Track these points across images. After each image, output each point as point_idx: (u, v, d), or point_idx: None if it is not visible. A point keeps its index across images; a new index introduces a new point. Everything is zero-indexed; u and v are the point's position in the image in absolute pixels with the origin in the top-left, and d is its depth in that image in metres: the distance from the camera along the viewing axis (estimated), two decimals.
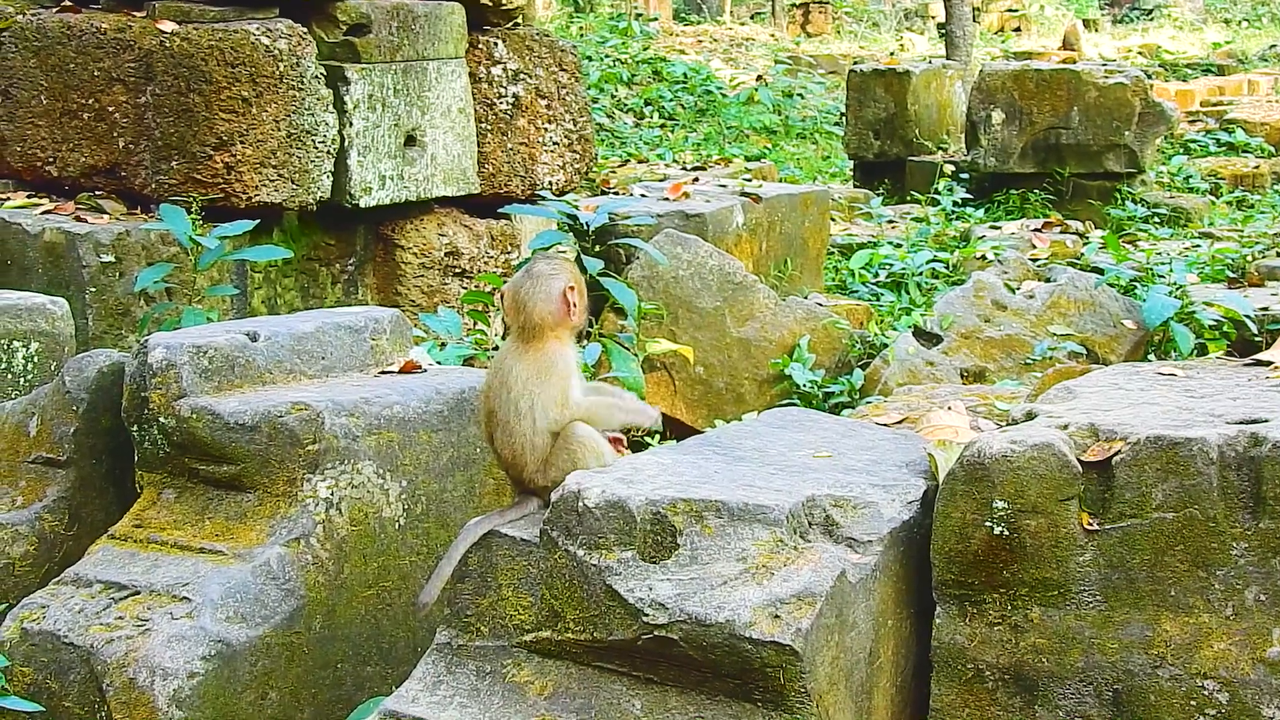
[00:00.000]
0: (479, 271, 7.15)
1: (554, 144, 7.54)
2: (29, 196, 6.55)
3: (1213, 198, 12.69)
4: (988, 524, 2.90)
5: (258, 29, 6.42)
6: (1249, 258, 8.42)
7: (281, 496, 3.64)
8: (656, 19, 24.61)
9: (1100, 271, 7.40)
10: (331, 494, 3.66)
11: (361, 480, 3.71)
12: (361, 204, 6.75)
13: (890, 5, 29.13)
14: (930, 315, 6.59)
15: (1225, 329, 6.36)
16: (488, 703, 3.00)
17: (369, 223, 7.02)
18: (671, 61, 20.14)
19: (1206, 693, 2.79)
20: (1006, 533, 2.90)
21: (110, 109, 6.47)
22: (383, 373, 4.11)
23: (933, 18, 27.14)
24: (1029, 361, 6.18)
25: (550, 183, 7.49)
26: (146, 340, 3.81)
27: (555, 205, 6.78)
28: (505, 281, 3.92)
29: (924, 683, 3.03)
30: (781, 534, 2.87)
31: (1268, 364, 3.45)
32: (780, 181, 11.55)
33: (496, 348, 5.42)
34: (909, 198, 12.02)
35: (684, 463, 3.16)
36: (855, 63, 17.04)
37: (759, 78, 20.12)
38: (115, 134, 6.48)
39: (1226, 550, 2.79)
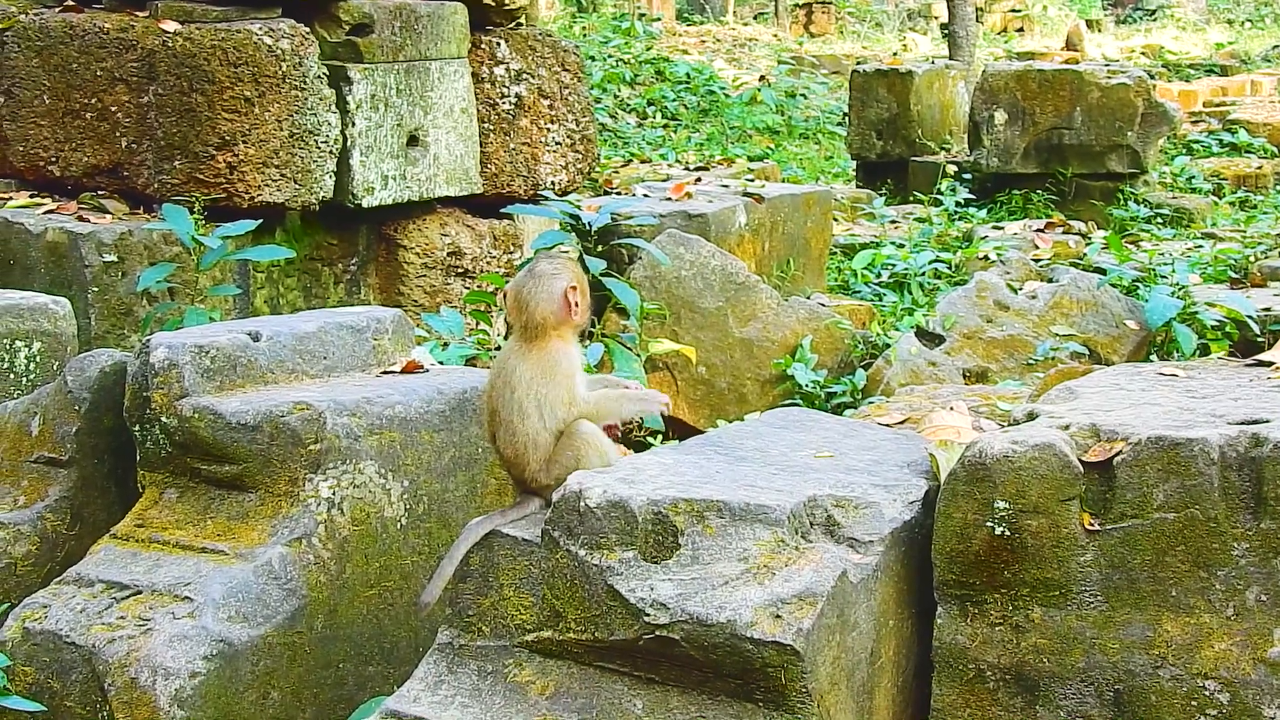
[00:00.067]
0: (481, 271, 7.15)
1: (556, 144, 7.54)
2: (31, 196, 6.55)
3: (1215, 198, 12.68)
4: (989, 524, 2.90)
5: (260, 29, 6.42)
6: (1251, 258, 8.42)
7: (283, 496, 3.64)
8: (659, 19, 24.61)
9: (1103, 272, 7.38)
10: (333, 494, 3.66)
11: (363, 480, 3.71)
12: (364, 204, 6.75)
13: (893, 5, 29.13)
14: (933, 315, 6.59)
15: (1228, 329, 6.36)
16: (489, 702, 3.00)
17: (371, 223, 7.01)
18: (674, 62, 20.14)
19: (1207, 693, 2.79)
20: (1008, 533, 2.90)
21: (113, 109, 6.47)
22: (385, 372, 4.11)
23: (936, 18, 27.14)
24: (1031, 362, 6.18)
25: (553, 183, 7.49)
26: (149, 340, 3.81)
27: (558, 205, 6.77)
28: (507, 281, 3.92)
29: (925, 683, 3.03)
30: (783, 534, 2.87)
31: (1269, 364, 3.45)
32: (783, 182, 11.55)
33: (499, 348, 5.42)
34: (911, 198, 12.02)
35: (686, 463, 3.16)
36: (858, 63, 17.06)
37: (762, 78, 20.13)
38: (118, 134, 6.48)
39: (1227, 550, 2.79)
